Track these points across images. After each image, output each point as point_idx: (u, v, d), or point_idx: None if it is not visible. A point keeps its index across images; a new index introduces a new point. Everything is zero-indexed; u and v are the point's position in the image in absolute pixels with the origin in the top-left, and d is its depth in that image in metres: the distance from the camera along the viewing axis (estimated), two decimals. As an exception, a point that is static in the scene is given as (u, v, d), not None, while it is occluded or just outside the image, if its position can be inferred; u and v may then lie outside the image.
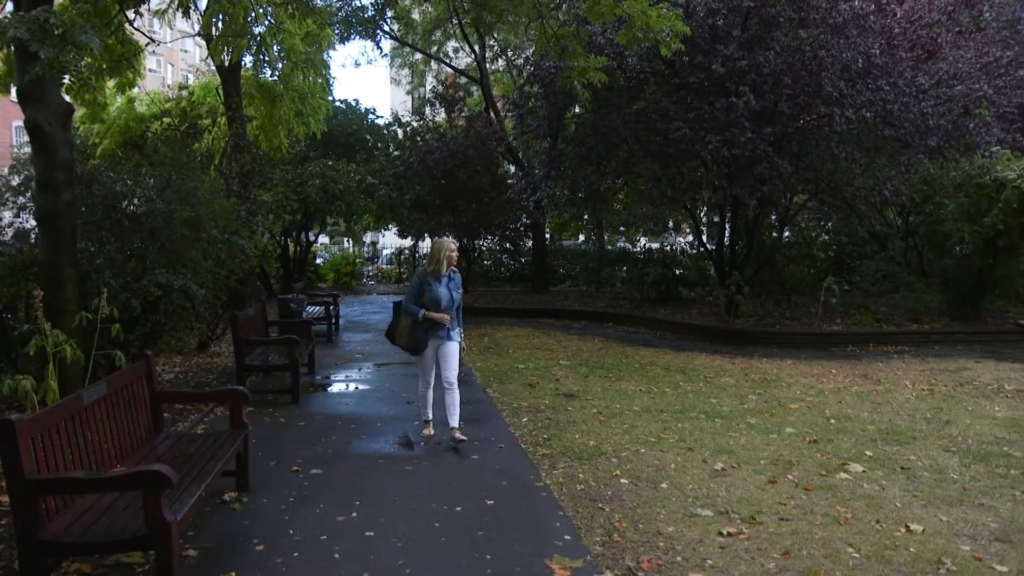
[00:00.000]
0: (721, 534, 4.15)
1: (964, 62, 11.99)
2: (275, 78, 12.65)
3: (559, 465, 5.46)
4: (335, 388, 8.41)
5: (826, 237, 16.79)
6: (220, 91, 13.00)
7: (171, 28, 11.24)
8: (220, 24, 9.22)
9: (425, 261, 6.11)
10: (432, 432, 6.20)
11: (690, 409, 7.12)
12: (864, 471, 5.30)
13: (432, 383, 6.19)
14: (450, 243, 6.05)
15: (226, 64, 11.72)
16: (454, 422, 5.98)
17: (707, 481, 5.05)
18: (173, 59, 51.86)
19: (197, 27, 11.72)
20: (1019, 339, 11.72)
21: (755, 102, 10.56)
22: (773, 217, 14.25)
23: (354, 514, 4.47)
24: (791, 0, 10.55)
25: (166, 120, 17.17)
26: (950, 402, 7.51)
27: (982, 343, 11.39)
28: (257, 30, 9.71)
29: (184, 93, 18.46)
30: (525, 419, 6.81)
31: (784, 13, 10.69)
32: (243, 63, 11.98)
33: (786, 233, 14.99)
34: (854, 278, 15.97)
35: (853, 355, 10.47)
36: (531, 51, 15.65)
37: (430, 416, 6.25)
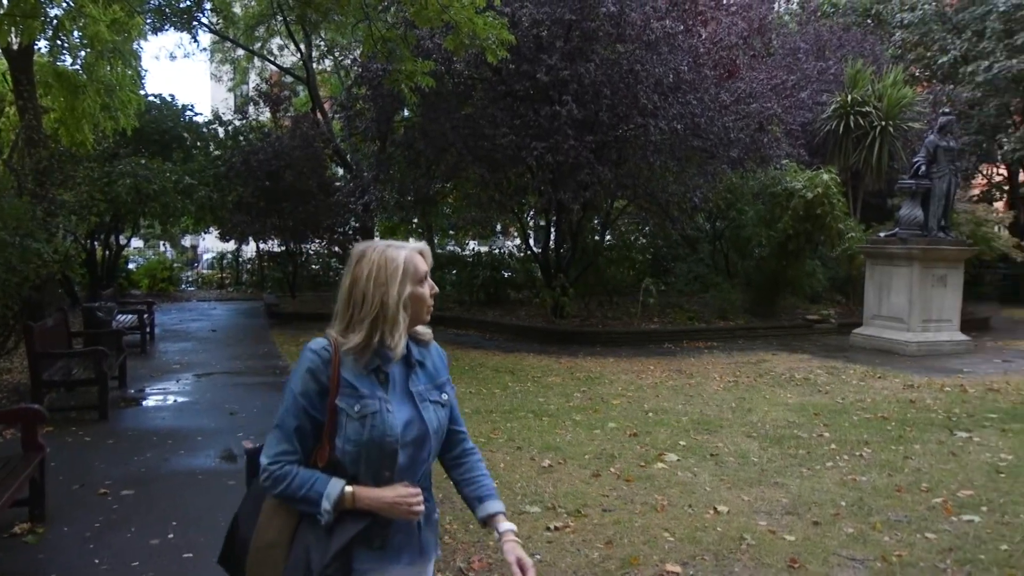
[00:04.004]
0: (549, 528, 4.29)
1: (758, 83, 13.21)
2: (77, 67, 11.55)
3: (391, 471, 5.40)
4: (150, 402, 7.82)
5: (644, 240, 17.84)
6: (8, 77, 11.71)
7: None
8: (6, 2, 8.29)
9: (336, 313, 1.89)
10: None
11: (519, 409, 7.30)
12: (679, 460, 5.68)
13: None
14: (418, 251, 1.93)
15: (14, 47, 10.56)
16: None
17: (535, 478, 5.21)
18: (-51, 39, 45.95)
19: (-23, 4, 10.47)
20: (807, 332, 13.10)
21: (577, 111, 11.04)
22: (596, 221, 14.95)
23: (171, 536, 4.19)
24: (609, 16, 11.11)
25: (-62, 108, 15.20)
26: (751, 392, 8.23)
27: (777, 337, 12.59)
28: (53, 12, 8.85)
29: (-38, 78, 16.43)
30: (356, 426, 6.67)
31: (603, 28, 11.25)
32: (36, 47, 10.85)
33: (608, 236, 15.79)
34: (669, 279, 17.09)
35: (669, 351, 11.20)
36: (359, 52, 15.42)
37: None
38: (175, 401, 7.82)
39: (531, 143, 11.18)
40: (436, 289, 1.94)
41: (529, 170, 12.63)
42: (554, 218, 13.86)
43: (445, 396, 1.98)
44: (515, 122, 11.58)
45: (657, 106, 11.22)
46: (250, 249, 21.68)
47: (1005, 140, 18.51)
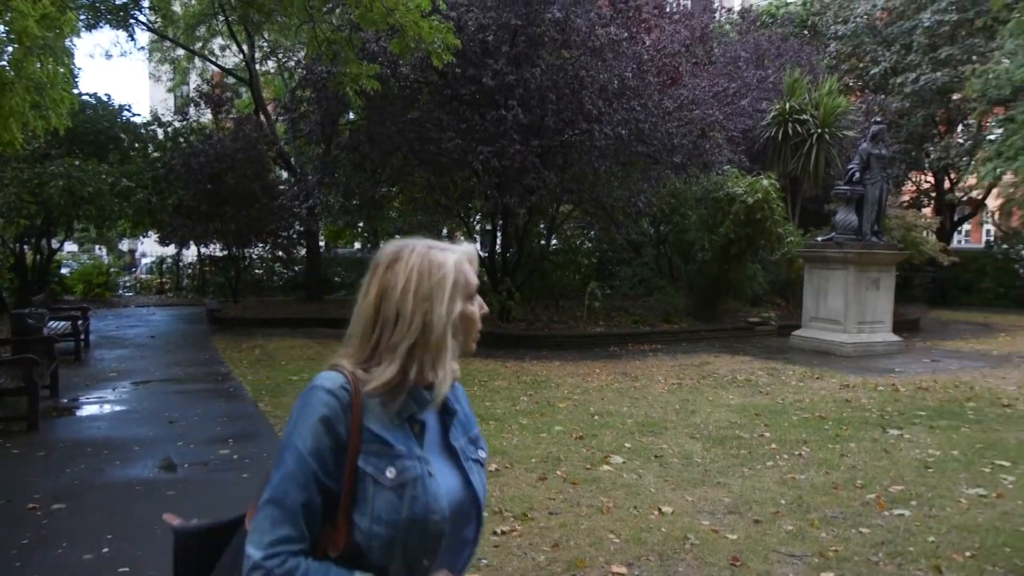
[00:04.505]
0: (495, 533, 4.29)
1: (700, 90, 13.46)
2: (4, 63, 11.11)
3: (336, 478, 5.34)
4: (84, 411, 7.56)
5: (589, 244, 18.00)
6: (-71, 75, 11.20)
7: None
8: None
9: (351, 337, 1.37)
10: None
11: (466, 413, 7.27)
12: (624, 462, 5.74)
13: None
14: (467, 257, 1.43)
15: (-63, 44, 10.11)
16: None
17: (482, 482, 5.20)
18: None
19: None
20: (748, 335, 13.40)
21: (523, 116, 11.10)
22: (541, 225, 15.03)
23: (105, 550, 4.05)
24: (555, 22, 11.20)
25: None
26: (695, 393, 8.38)
27: (720, 339, 12.84)
28: (-24, 6, 8.48)
29: None
30: (300, 433, 6.57)
31: (548, 33, 11.34)
32: (-41, 44, 10.41)
33: (554, 241, 15.89)
34: (615, 283, 17.28)
35: (615, 354, 11.32)
36: (303, 54, 15.22)
37: None
38: (111, 410, 7.59)
39: (477, 147, 11.20)
40: (486, 308, 1.45)
41: (475, 174, 12.63)
42: (500, 222, 13.89)
43: (483, 453, 1.49)
44: (461, 126, 11.58)
45: (602, 112, 11.35)
46: (191, 253, 21.17)
47: (932, 148, 19.34)
